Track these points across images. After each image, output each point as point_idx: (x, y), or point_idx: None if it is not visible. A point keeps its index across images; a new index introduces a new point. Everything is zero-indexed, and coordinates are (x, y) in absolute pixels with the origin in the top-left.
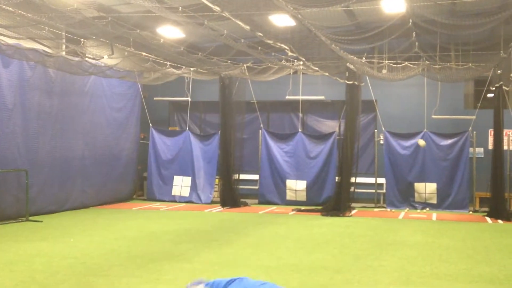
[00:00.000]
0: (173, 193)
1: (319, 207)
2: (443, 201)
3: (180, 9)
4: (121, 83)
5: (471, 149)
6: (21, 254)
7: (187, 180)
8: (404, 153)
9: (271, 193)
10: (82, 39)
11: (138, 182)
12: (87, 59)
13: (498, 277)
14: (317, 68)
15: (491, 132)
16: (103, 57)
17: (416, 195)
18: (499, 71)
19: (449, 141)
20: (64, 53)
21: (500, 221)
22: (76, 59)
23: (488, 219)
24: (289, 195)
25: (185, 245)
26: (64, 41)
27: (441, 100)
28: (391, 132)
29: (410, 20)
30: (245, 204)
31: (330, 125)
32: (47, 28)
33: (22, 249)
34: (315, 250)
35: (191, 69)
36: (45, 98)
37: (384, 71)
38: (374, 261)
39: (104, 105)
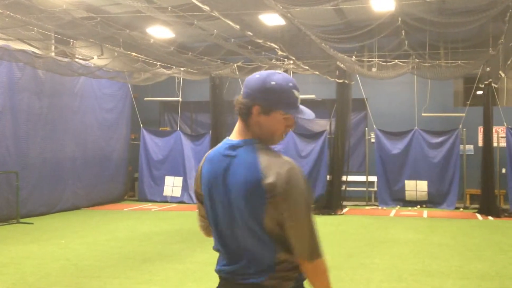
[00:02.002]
0: (164, 194)
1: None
2: (433, 199)
3: (169, 9)
4: (111, 83)
5: (461, 146)
6: (12, 257)
7: (179, 180)
8: (395, 151)
9: None
10: (72, 40)
11: (129, 183)
12: (76, 60)
13: (489, 273)
14: (307, 67)
15: (480, 129)
16: (92, 58)
17: (407, 193)
18: (488, 69)
19: (439, 139)
20: (53, 54)
21: (490, 218)
22: (66, 60)
23: (478, 215)
24: None
25: (177, 246)
26: (53, 42)
27: (431, 97)
28: (382, 130)
29: (399, 19)
30: None
31: (321, 124)
32: (36, 29)
33: (13, 252)
34: None
35: (181, 69)
36: (34, 99)
37: (374, 69)
38: (366, 259)
39: (94, 106)
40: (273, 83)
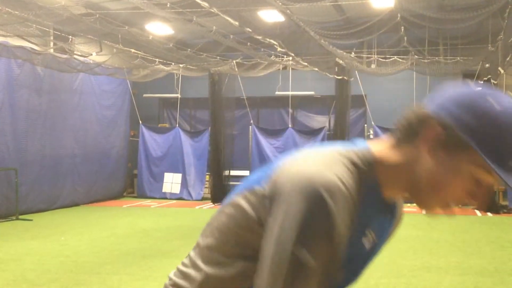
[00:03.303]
0: (163, 190)
1: None
2: None
3: (168, 5)
4: (110, 80)
5: None
6: (11, 253)
7: (178, 177)
8: None
9: None
10: (70, 36)
11: (129, 180)
12: (75, 56)
13: (488, 269)
14: (306, 64)
15: None
16: (91, 54)
17: None
18: (487, 65)
19: None
20: (52, 50)
21: (489, 214)
22: (64, 56)
23: (477, 212)
24: None
25: (176, 242)
26: (52, 38)
27: (430, 94)
28: (381, 127)
29: (399, 15)
30: None
31: (320, 120)
32: (34, 25)
33: (13, 248)
34: None
35: (180, 65)
36: (33, 96)
37: (373, 65)
38: None
39: (93, 103)
40: (495, 105)
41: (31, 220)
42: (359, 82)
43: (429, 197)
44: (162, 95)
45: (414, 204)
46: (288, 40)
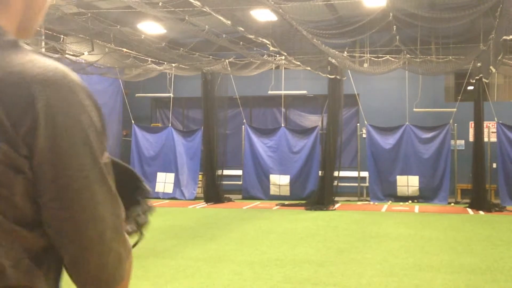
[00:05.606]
0: (156, 190)
1: (303, 202)
2: (425, 194)
3: (160, 4)
4: (102, 80)
5: (452, 141)
6: None
7: (171, 176)
8: (387, 146)
9: (255, 188)
10: (62, 36)
11: None
12: (67, 56)
13: (480, 268)
14: (299, 63)
15: (471, 124)
16: (83, 54)
17: (398, 188)
18: (479, 64)
19: (430, 134)
20: (43, 50)
21: (481, 212)
22: (56, 56)
23: (469, 210)
24: (273, 190)
25: (169, 242)
26: (43, 38)
27: (422, 93)
28: (373, 126)
29: (391, 14)
30: (229, 200)
31: (313, 120)
32: None
33: None
34: (299, 244)
35: (173, 65)
36: None
37: (365, 65)
38: (357, 254)
39: None
40: None
41: None
42: (352, 81)
43: (33, 24)
44: (155, 95)
45: (407, 203)
46: (281, 39)
